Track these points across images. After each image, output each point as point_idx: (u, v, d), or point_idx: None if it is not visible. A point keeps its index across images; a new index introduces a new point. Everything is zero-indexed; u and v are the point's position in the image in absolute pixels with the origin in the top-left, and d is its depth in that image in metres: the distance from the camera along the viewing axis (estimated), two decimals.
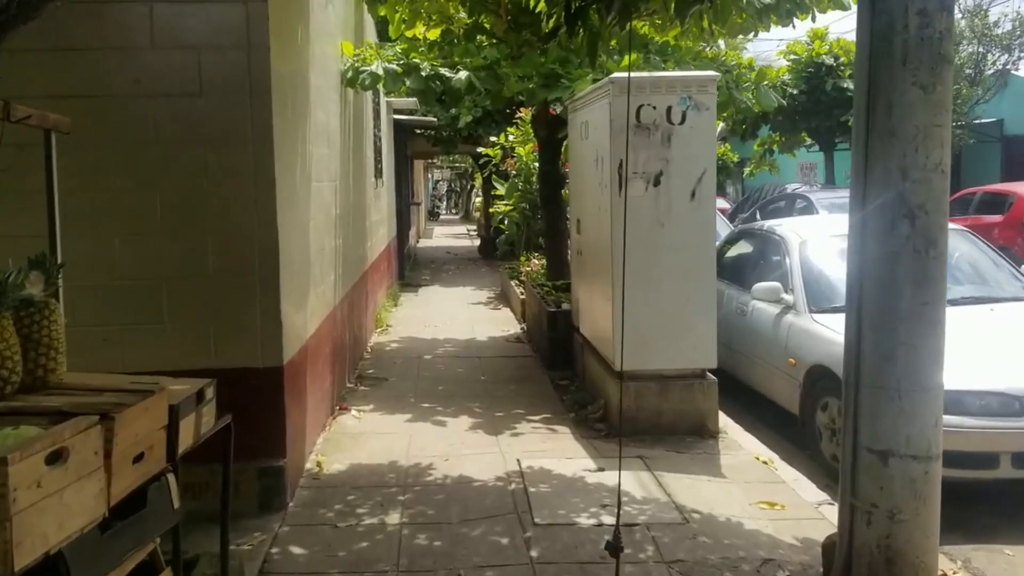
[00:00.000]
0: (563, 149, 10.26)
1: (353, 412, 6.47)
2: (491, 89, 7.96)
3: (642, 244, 5.85)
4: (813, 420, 5.82)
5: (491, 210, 13.59)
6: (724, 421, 6.10)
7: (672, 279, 5.88)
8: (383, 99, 12.53)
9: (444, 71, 7.70)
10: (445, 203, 54.15)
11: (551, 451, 5.58)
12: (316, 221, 5.89)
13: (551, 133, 10.06)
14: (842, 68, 23.53)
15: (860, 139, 3.47)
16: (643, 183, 5.85)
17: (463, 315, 11.52)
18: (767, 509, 4.65)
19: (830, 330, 5.84)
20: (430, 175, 47.61)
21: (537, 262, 11.14)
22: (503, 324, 10.75)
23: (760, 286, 6.48)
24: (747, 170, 28.41)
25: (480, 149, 14.20)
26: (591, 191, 6.62)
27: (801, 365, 5.97)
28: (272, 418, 4.63)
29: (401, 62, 7.67)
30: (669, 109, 5.82)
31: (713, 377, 6.01)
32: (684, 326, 5.90)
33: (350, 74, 7.44)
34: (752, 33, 8.15)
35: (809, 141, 26.99)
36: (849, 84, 23.39)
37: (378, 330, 10.15)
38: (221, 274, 4.52)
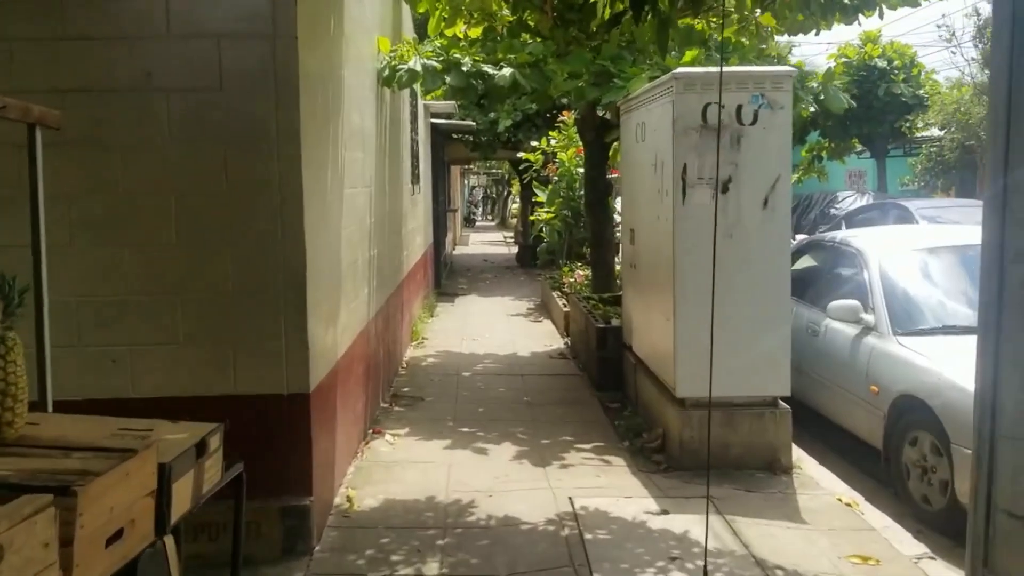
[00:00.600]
0: (611, 153, 9.71)
1: (387, 437, 5.96)
2: (537, 88, 7.43)
3: (707, 257, 5.26)
4: (899, 456, 5.19)
5: (531, 217, 13.07)
6: (797, 454, 5.49)
7: (742, 296, 5.29)
8: (420, 102, 12.07)
9: (487, 68, 7.18)
10: (481, 209, 53.72)
11: (607, 488, 5.01)
12: (349, 231, 5.39)
13: (598, 136, 9.51)
14: (895, 72, 22.70)
15: (999, 138, 2.87)
16: (709, 190, 5.28)
17: (502, 327, 10.99)
18: (860, 564, 4.05)
19: (920, 355, 5.21)
20: (466, 181, 47.22)
21: (581, 273, 10.58)
22: (545, 338, 10.20)
23: (837, 304, 5.86)
24: (795, 177, 27.56)
25: (520, 154, 13.70)
26: (648, 198, 6.06)
27: (885, 394, 5.35)
28: (298, 451, 4.12)
29: (441, 59, 7.16)
30: (739, 108, 5.25)
31: (786, 406, 5.41)
32: (754, 349, 5.32)
33: (387, 72, 6.95)
34: (813, 31, 7.56)
35: (860, 147, 26.16)
36: (903, 88, 22.56)
37: (414, 343, 9.65)
38: (242, 291, 4.03)
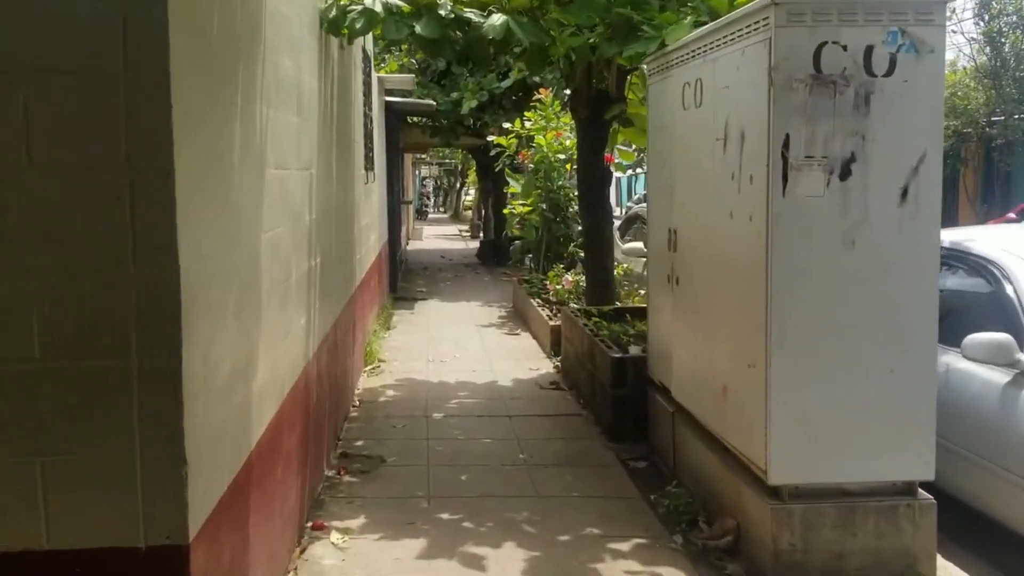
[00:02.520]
0: (611, 133, 7.92)
1: (333, 536, 4.08)
2: (536, 42, 5.60)
3: (816, 272, 3.54)
4: None
5: (504, 211, 11.25)
6: (939, 563, 3.77)
7: (867, 332, 3.56)
8: (375, 74, 10.14)
9: (471, 14, 5.32)
10: (433, 201, 51.68)
11: None
12: (275, 234, 3.52)
13: (595, 114, 7.72)
14: None
15: None
16: (822, 174, 3.52)
17: (474, 343, 9.14)
18: None
19: None
20: (417, 171, 45.19)
21: (570, 279, 8.79)
22: (528, 358, 8.38)
23: (977, 341, 4.13)
24: None
25: (492, 138, 11.86)
26: (706, 186, 4.29)
27: None
28: None
29: None
30: (869, 51, 3.49)
31: (929, 497, 3.69)
32: (884, 411, 3.58)
33: (334, 12, 5.06)
34: None
35: None
36: None
37: (368, 368, 7.77)
38: (57, 360, 2.15)
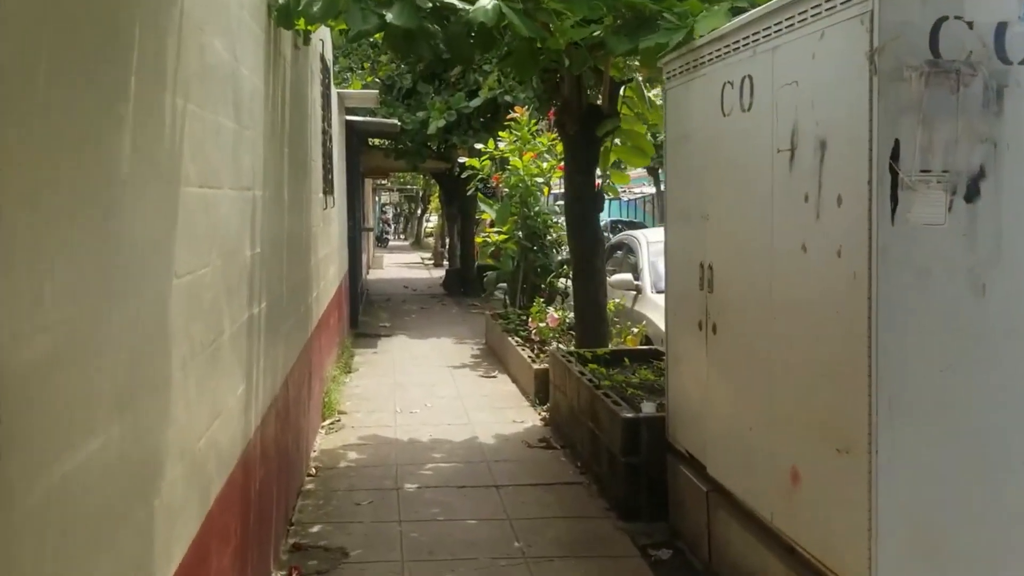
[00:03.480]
0: (602, 153, 7.02)
1: None
2: (527, 38, 4.68)
3: (935, 327, 2.63)
4: None
5: (478, 239, 10.30)
6: None
7: (1005, 409, 2.65)
8: (334, 88, 9.19)
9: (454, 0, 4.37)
10: (393, 228, 50.59)
11: None
12: (195, 278, 2.51)
13: (585, 129, 6.82)
14: None
15: None
16: (942, 195, 2.62)
17: (447, 389, 8.13)
18: None
19: None
20: (378, 197, 44.16)
21: (555, 315, 7.83)
22: (509, 407, 7.40)
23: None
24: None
25: (463, 159, 10.91)
26: (754, 211, 3.38)
27: None
28: None
29: None
30: (1002, 30, 2.62)
31: None
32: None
33: None
34: None
35: None
36: None
37: (327, 423, 6.72)
38: None
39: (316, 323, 6.44)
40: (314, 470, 5.52)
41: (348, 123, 11.46)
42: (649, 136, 7.11)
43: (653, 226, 32.97)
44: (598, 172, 7.19)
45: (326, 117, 7.66)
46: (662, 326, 8.04)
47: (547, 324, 7.81)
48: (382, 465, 5.66)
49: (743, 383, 3.54)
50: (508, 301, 10.64)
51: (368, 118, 11.78)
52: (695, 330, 4.03)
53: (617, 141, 7.06)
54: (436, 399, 7.67)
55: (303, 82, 5.74)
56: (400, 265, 27.52)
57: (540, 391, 7.32)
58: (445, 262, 25.11)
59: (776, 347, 3.24)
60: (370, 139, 16.23)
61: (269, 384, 3.98)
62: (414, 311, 14.57)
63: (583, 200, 7.01)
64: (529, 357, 7.91)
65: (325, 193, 7.35)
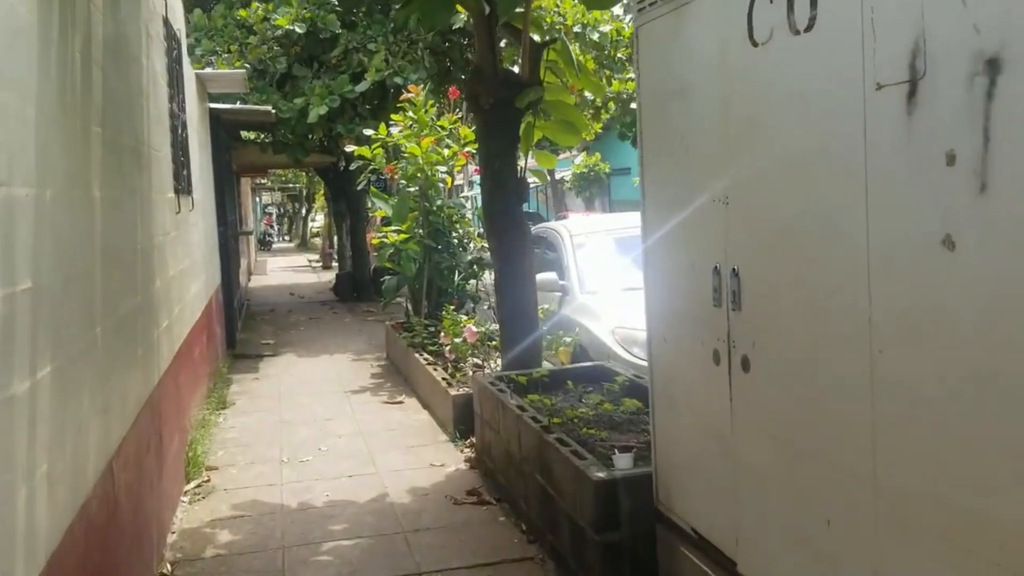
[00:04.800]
0: (524, 130, 5.77)
1: None
2: None
3: None
4: None
5: (373, 240, 8.88)
6: None
7: None
8: (188, 66, 7.63)
9: None
10: (277, 230, 48.13)
11: None
12: None
13: (502, 103, 5.56)
14: None
15: None
16: None
17: (345, 424, 6.72)
18: None
19: None
20: (258, 198, 41.77)
21: (474, 329, 6.50)
22: (424, 443, 6.06)
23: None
24: (635, 180, 24.73)
25: (351, 148, 9.42)
26: (826, 185, 2.17)
27: None
28: None
29: None
30: None
31: None
32: None
33: None
34: None
35: None
36: None
37: (191, 487, 5.23)
38: None
39: (171, 361, 4.96)
40: (169, 567, 4.06)
41: (214, 113, 9.85)
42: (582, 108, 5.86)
43: (550, 218, 32.09)
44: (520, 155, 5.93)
45: (176, 98, 6.13)
46: (598, 333, 6.90)
47: (464, 340, 6.49)
48: (263, 550, 4.23)
49: (812, 449, 2.33)
50: (411, 310, 9.27)
51: (237, 105, 10.16)
52: (706, 363, 2.80)
53: (541, 116, 5.82)
54: (332, 439, 6.26)
55: (132, 43, 4.24)
56: (286, 269, 25.65)
57: (461, 422, 6.02)
58: (334, 264, 23.48)
59: (888, 401, 2.03)
60: (242, 132, 14.56)
61: (74, 480, 2.55)
62: (302, 322, 13.00)
63: (504, 189, 5.73)
64: (444, 380, 6.58)
65: (179, 193, 5.82)
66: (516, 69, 5.78)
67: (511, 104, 5.55)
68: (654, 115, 3.14)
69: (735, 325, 2.63)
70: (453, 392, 6.17)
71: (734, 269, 2.60)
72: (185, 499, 5.02)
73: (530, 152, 5.91)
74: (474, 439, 5.66)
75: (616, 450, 3.73)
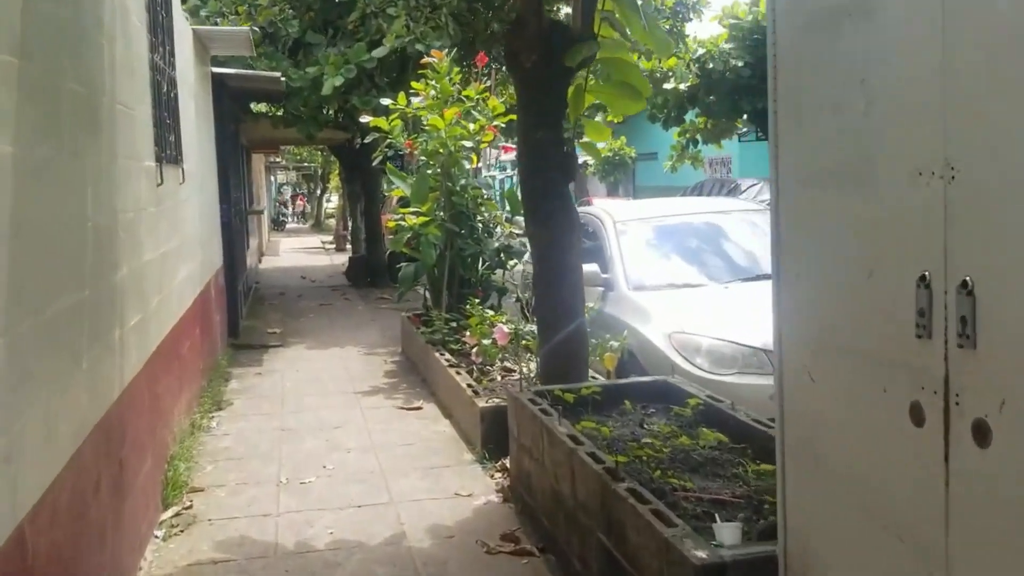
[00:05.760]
0: (572, 95, 4.81)
1: None
2: None
3: None
4: None
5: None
6: None
7: None
8: (180, 11, 6.69)
9: None
10: (291, 210, 47.26)
11: None
12: None
13: (547, 60, 4.61)
14: None
15: None
16: None
17: (355, 435, 5.81)
18: None
19: None
20: (272, 177, 40.91)
21: (504, 328, 5.55)
22: (447, 465, 5.15)
23: None
24: (667, 164, 23.72)
25: (367, 118, 8.45)
26: None
27: None
28: None
29: None
30: None
31: None
32: None
33: None
34: None
35: (743, 129, 22.63)
36: None
37: (169, 513, 4.34)
38: None
39: (144, 365, 4.05)
40: None
41: (217, 78, 8.92)
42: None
43: (575, 203, 31.17)
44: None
45: (161, 50, 5.21)
46: (651, 337, 5.72)
47: (494, 341, 5.56)
48: None
49: None
50: (430, 301, 8.34)
51: (242, 70, 9.22)
52: (895, 421, 1.84)
53: (593, 78, 4.86)
54: (340, 454, 5.36)
55: None
56: (298, 251, 24.78)
57: (490, 438, 5.10)
58: (348, 246, 22.64)
59: None
60: (253, 105, 13.65)
61: None
62: (312, 309, 12.11)
63: (547, 164, 4.78)
64: (469, 387, 5.65)
65: (162, 161, 4.90)
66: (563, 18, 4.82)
67: (558, 62, 4.59)
68: (801, 51, 2.17)
69: (962, 370, 1.67)
70: (481, 404, 5.24)
71: (965, 282, 1.65)
72: (159, 533, 4.13)
73: (578, 122, 4.94)
74: (506, 461, 4.75)
75: (719, 522, 2.79)
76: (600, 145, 7.64)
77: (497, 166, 28.91)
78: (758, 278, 6.19)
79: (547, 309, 4.86)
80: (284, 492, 4.71)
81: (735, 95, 19.66)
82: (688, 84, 19.77)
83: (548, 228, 4.80)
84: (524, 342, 5.39)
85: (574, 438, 3.62)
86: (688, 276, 6.27)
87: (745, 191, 16.81)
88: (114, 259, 3.54)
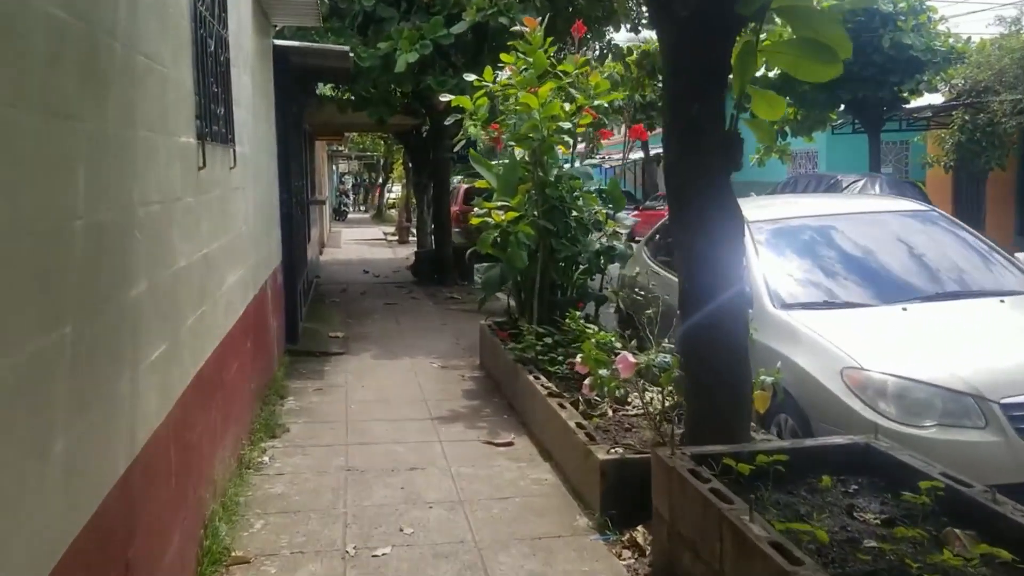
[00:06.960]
0: (738, 58, 3.62)
1: None
2: None
3: None
4: None
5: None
6: None
7: None
8: None
9: None
10: (353, 200, 46.69)
11: None
12: None
13: (709, 10, 3.43)
14: (902, 17, 17.52)
15: None
16: None
17: (437, 481, 4.71)
18: None
19: None
20: (334, 166, 40.28)
21: (633, 360, 4.37)
22: (556, 535, 4.02)
23: None
24: (753, 158, 22.23)
25: (447, 97, 7.32)
26: None
27: None
28: None
29: None
30: None
31: None
32: None
33: None
34: None
35: (838, 120, 21.02)
36: (913, 39, 17.40)
37: None
38: None
39: (170, 409, 3.00)
40: None
41: (279, 51, 7.93)
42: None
43: (642, 201, 29.47)
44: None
45: (216, 13, 4.16)
46: (815, 372, 4.20)
47: (615, 372, 4.40)
48: None
49: None
50: (517, 310, 7.22)
51: (305, 43, 8.20)
52: None
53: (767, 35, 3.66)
54: (420, 512, 4.26)
55: None
56: (360, 242, 23.92)
57: (613, 501, 3.97)
58: (411, 238, 21.73)
59: None
60: (318, 86, 12.68)
61: None
62: (377, 309, 11.10)
63: (701, 145, 3.61)
64: (580, 428, 4.51)
65: (205, 139, 3.85)
66: None
67: (725, 11, 3.42)
68: None
69: None
70: (601, 455, 4.10)
71: None
72: None
73: (743, 91, 3.74)
74: (636, 535, 3.61)
75: None
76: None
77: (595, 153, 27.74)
78: (943, 297, 4.94)
79: (697, 337, 3.68)
80: (352, 568, 3.63)
81: (833, 83, 18.14)
82: (779, 70, 18.30)
83: (700, 233, 3.62)
84: (661, 375, 4.21)
85: (780, 548, 2.45)
86: (850, 293, 5.04)
87: (847, 187, 15.35)
88: (124, 272, 2.49)
